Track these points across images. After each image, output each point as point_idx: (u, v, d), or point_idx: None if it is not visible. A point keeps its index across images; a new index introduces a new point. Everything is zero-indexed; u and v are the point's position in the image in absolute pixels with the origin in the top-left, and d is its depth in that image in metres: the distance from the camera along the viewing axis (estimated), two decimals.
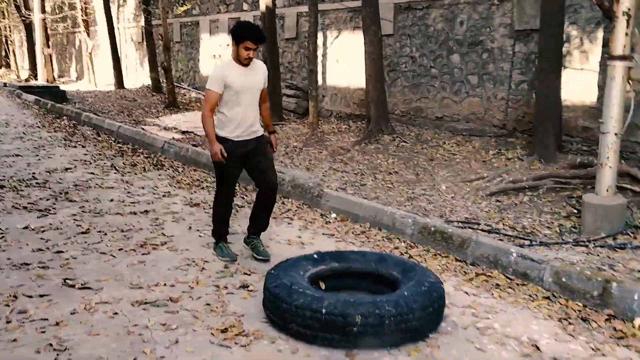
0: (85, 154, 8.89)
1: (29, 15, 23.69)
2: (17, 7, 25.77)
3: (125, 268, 4.36)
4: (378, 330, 3.14)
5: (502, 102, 9.01)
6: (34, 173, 7.46)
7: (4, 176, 7.21)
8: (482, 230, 5.39)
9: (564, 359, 3.20)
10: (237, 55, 4.37)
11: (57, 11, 25.81)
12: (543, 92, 7.39)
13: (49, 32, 25.64)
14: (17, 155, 8.66)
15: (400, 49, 10.58)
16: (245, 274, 4.32)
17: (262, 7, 11.88)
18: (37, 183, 6.93)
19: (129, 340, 3.26)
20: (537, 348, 3.30)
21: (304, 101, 12.66)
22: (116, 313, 3.59)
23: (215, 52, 15.95)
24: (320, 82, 12.51)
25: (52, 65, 23.71)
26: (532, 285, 4.13)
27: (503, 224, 5.59)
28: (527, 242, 4.92)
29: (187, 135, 11.63)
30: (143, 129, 11.02)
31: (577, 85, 7.87)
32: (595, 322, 3.61)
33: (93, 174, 7.54)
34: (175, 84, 17.94)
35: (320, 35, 12.38)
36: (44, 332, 3.33)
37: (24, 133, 10.74)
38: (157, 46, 17.49)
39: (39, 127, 11.62)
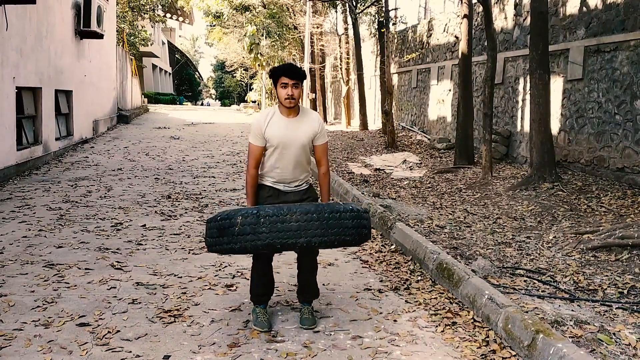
0: None
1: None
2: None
3: (167, 262, 5.34)
4: None
5: None
6: (203, 190, 9.05)
7: (180, 191, 8.92)
8: (539, 280, 5.11)
9: None
10: (278, 99, 3.85)
11: (338, 62, 29.16)
12: None
13: (330, 80, 29.13)
14: (213, 177, 10.46)
15: (588, 94, 9.85)
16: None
17: (459, 53, 12.19)
18: (195, 197, 8.45)
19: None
20: None
21: (502, 146, 12.42)
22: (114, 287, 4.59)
23: (440, 97, 16.47)
24: (518, 127, 12.19)
25: (323, 108, 26.73)
26: (490, 329, 3.94)
27: (571, 278, 5.17)
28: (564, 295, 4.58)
29: (378, 172, 12.44)
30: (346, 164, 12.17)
31: None
32: None
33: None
34: (407, 126, 18.93)
35: (521, 80, 12.12)
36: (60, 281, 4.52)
37: (240, 165, 12.75)
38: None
39: None
